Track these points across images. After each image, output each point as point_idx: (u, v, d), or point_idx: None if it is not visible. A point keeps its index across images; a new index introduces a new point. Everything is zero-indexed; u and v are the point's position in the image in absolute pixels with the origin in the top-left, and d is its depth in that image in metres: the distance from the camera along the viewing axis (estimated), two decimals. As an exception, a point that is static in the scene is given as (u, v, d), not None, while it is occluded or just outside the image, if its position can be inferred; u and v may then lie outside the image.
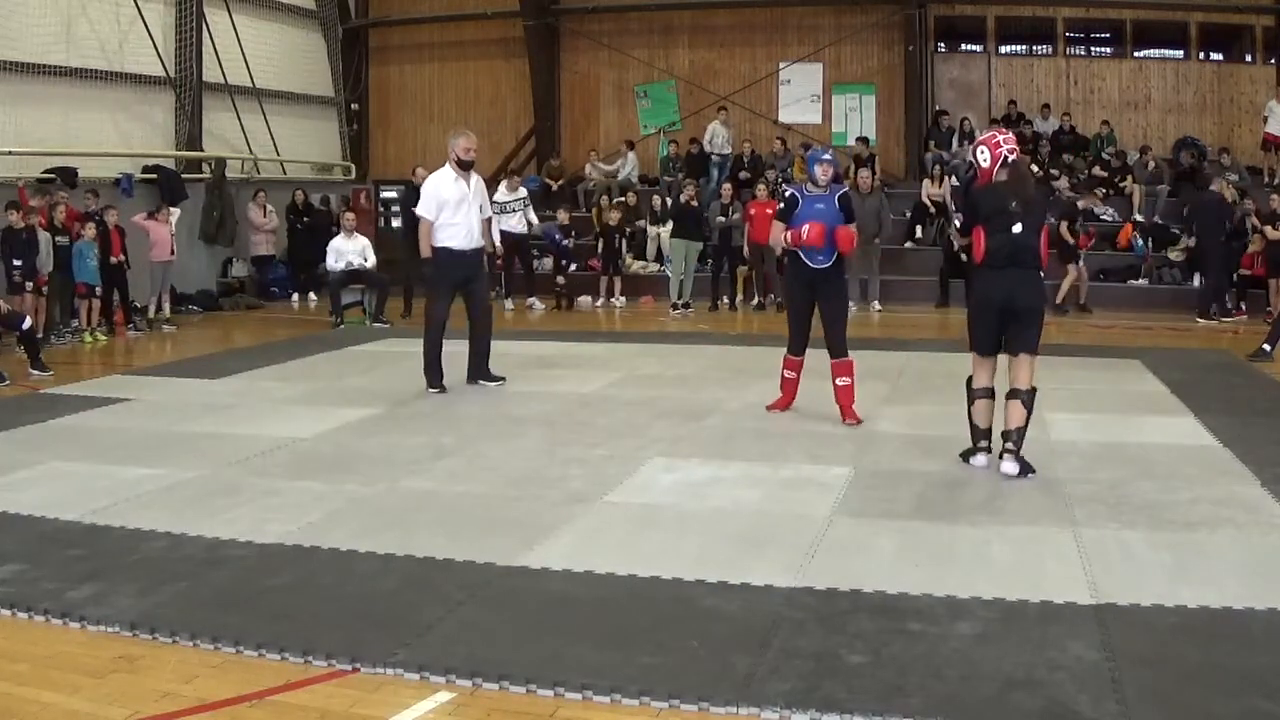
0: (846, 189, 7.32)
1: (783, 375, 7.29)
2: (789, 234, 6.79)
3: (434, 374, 8.22)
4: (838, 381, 6.99)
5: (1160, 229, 15.38)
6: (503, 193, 14.17)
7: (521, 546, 4.56)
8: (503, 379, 8.39)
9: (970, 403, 5.89)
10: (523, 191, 14.61)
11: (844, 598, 3.99)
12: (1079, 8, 17.18)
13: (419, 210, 8.26)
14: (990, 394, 5.83)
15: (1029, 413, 5.63)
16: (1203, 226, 13.35)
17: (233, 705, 3.27)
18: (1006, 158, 5.68)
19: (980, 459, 5.85)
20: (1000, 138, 5.79)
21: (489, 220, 8.74)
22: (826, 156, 6.98)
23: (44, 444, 6.58)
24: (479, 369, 8.40)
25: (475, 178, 8.36)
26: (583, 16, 18.59)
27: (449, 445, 6.49)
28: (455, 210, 8.14)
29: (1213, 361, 9.93)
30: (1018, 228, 5.57)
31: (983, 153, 5.73)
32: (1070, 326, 12.59)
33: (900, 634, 3.65)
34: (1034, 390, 5.66)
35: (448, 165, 8.30)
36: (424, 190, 8.29)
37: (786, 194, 7.09)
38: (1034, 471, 5.61)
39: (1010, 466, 5.58)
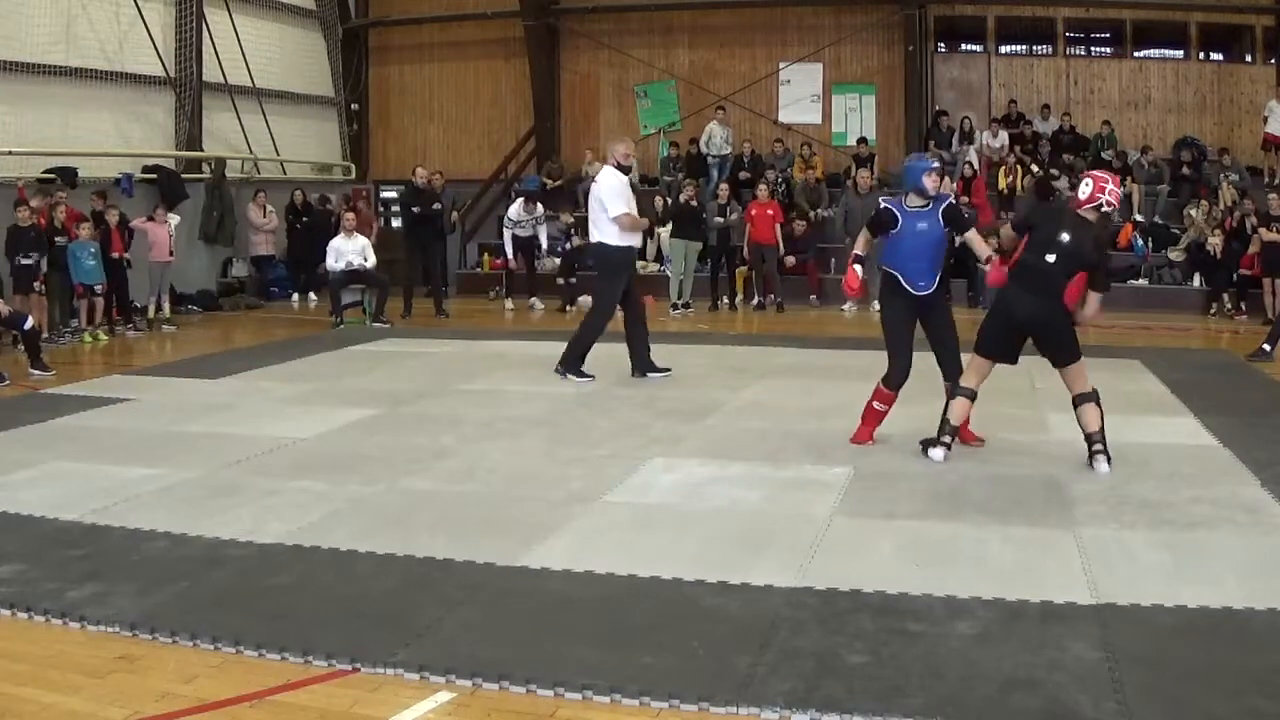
0: (951, 198, 6.46)
1: (871, 406, 6.35)
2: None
3: (579, 364, 8.64)
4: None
5: (1160, 229, 15.38)
6: (518, 212, 14.62)
7: (521, 546, 4.56)
8: (669, 369, 8.68)
9: (951, 396, 5.98)
10: (539, 209, 14.94)
11: (844, 598, 3.99)
12: (1079, 8, 17.16)
13: (619, 205, 8.38)
14: (974, 396, 5.95)
15: (1101, 410, 5.78)
16: None
17: (233, 705, 3.27)
18: (1104, 206, 5.64)
19: (938, 452, 5.92)
20: (1110, 184, 5.70)
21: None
22: (935, 164, 6.19)
23: (44, 444, 6.58)
24: (645, 361, 8.70)
25: None
26: (583, 16, 18.57)
27: (449, 445, 6.48)
28: (632, 209, 8.52)
29: (1213, 361, 9.94)
30: (1051, 257, 5.63)
31: (1086, 185, 5.67)
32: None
33: (900, 634, 3.65)
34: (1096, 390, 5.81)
35: (610, 168, 8.54)
36: (610, 186, 8.43)
37: (881, 207, 6.21)
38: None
39: (1104, 466, 5.69)
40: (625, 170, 8.64)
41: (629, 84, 18.74)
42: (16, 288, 10.97)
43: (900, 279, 6.12)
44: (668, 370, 8.71)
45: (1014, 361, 5.96)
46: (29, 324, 9.73)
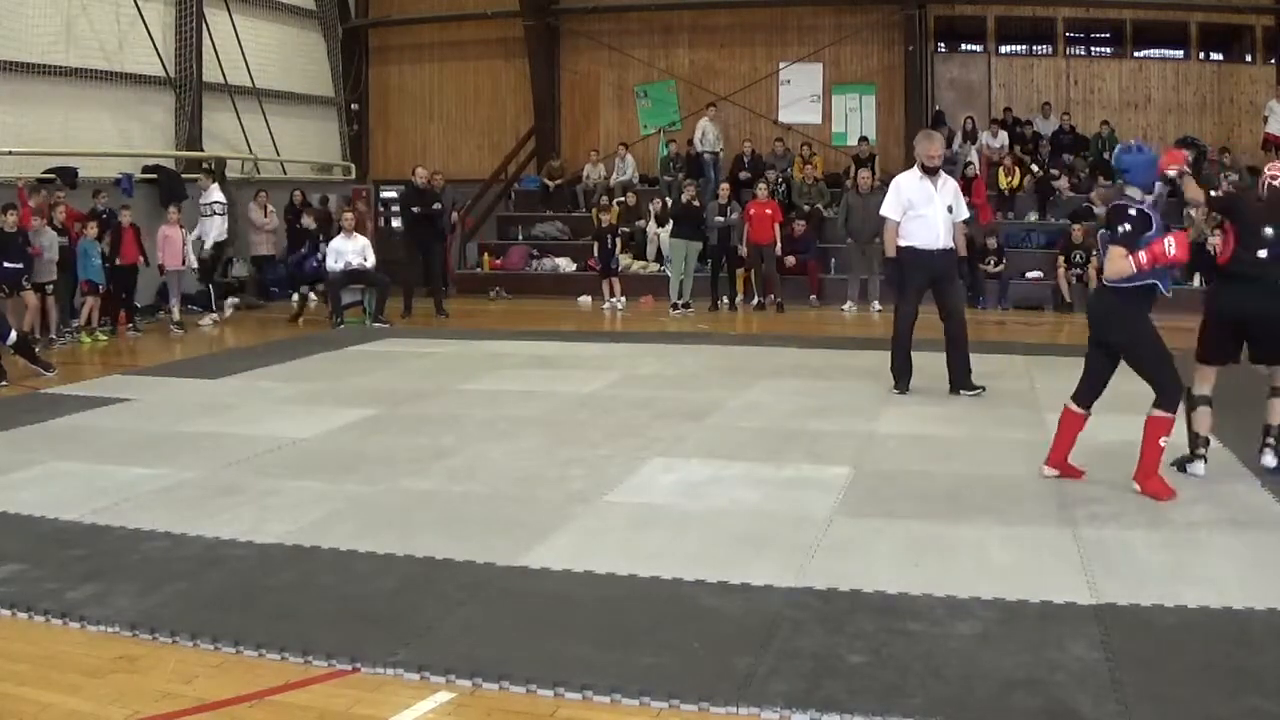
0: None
1: (1158, 444, 5.37)
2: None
3: (899, 377, 8.09)
4: None
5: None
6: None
7: (521, 546, 4.56)
8: (983, 388, 7.95)
9: (1191, 409, 5.71)
10: (215, 194, 13.87)
11: (844, 598, 3.99)
12: (1079, 8, 17.17)
13: (884, 210, 8.13)
14: (1211, 402, 5.75)
15: None
16: None
17: (233, 705, 3.27)
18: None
19: (1199, 467, 5.69)
20: None
21: (965, 223, 8.42)
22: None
23: (44, 444, 6.58)
24: (960, 379, 8.01)
25: (944, 179, 8.15)
26: (583, 16, 18.59)
27: (449, 445, 6.49)
28: (920, 210, 7.95)
29: (1213, 361, 9.90)
30: (1262, 253, 5.56)
31: None
32: (1072, 326, 12.59)
33: (900, 634, 3.65)
34: None
35: (915, 168, 8.17)
36: (889, 190, 8.18)
37: (1134, 213, 5.34)
38: None
39: (1271, 460, 5.62)
40: (930, 170, 7.96)
41: (629, 84, 18.75)
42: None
43: (1160, 288, 5.51)
44: (981, 389, 7.95)
45: (1237, 361, 5.78)
46: (12, 339, 9.39)
